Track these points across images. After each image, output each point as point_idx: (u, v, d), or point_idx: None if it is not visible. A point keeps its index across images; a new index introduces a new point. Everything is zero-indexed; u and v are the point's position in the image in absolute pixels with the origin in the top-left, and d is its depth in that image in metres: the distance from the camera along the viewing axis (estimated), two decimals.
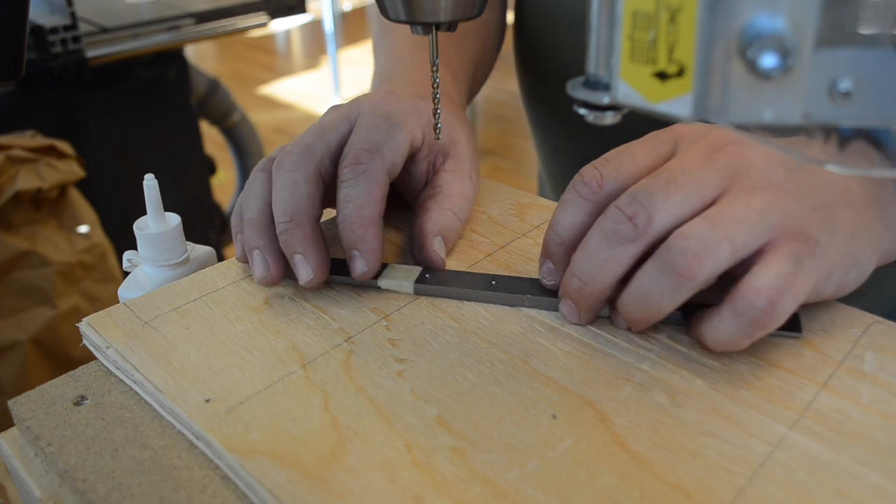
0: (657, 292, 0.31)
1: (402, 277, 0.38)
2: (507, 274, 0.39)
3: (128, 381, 0.33)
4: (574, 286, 0.33)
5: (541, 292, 0.37)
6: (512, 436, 0.29)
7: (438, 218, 0.41)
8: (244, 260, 0.40)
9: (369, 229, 0.36)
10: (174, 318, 0.36)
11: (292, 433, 0.29)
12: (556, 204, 0.46)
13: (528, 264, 0.40)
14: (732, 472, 0.27)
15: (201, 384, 0.32)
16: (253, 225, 0.38)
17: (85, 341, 0.36)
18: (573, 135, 0.61)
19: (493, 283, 0.38)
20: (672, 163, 0.33)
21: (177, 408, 0.30)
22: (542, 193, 0.75)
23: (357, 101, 0.42)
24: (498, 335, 0.35)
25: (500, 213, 0.46)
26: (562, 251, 0.35)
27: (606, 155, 0.35)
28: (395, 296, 0.38)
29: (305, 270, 0.36)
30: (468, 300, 0.37)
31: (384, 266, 0.39)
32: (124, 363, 0.33)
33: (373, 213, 0.37)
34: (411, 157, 0.42)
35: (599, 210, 0.34)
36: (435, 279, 0.38)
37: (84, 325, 0.36)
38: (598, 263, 0.32)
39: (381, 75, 0.50)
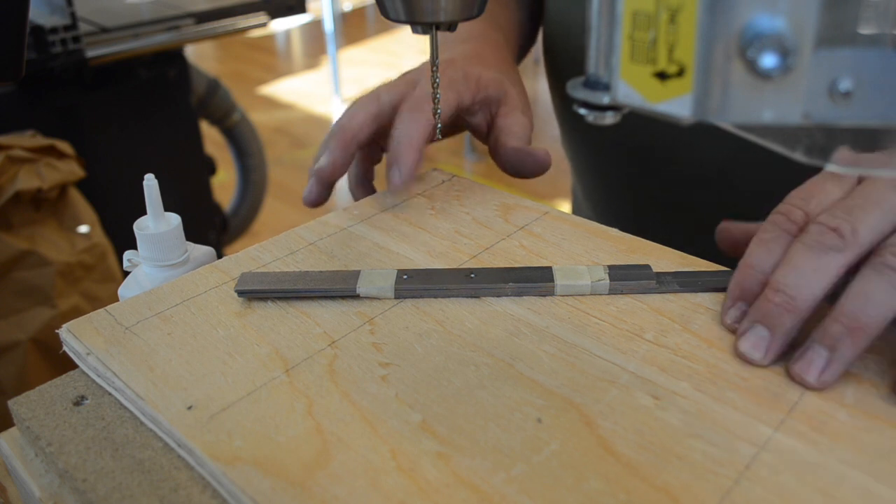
0: (880, 291, 0.30)
1: (380, 281, 0.38)
2: None
3: (108, 389, 0.33)
4: (778, 300, 0.32)
5: (523, 279, 0.37)
6: (497, 440, 0.29)
7: (506, 144, 0.50)
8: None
9: (411, 152, 0.46)
10: (156, 323, 0.36)
11: (276, 440, 0.29)
12: (542, 206, 0.46)
13: (512, 266, 0.40)
14: (718, 474, 0.27)
15: (183, 391, 0.31)
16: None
17: (65, 348, 0.35)
18: (603, 145, 0.61)
19: (473, 275, 0.38)
20: (862, 188, 0.33)
21: (158, 415, 0.30)
22: (575, 209, 0.76)
23: (422, 69, 0.52)
24: (482, 338, 0.34)
25: (484, 214, 0.46)
26: (762, 291, 0.34)
27: (800, 192, 0.35)
28: (378, 299, 0.38)
29: (325, 159, 0.47)
30: (450, 296, 0.37)
31: (358, 273, 0.38)
32: (105, 370, 0.33)
33: (417, 143, 0.46)
34: (466, 110, 0.51)
35: None
36: (413, 279, 0.38)
37: (64, 332, 0.35)
38: (807, 275, 0.31)
39: (454, 50, 0.60)
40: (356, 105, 0.49)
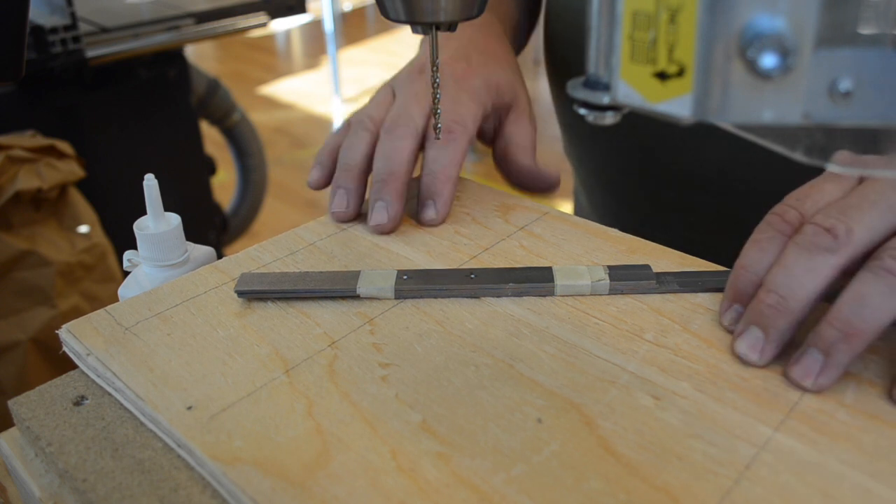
0: (876, 294, 0.29)
1: (381, 282, 0.38)
2: None
3: (108, 389, 0.33)
4: (770, 301, 0.32)
5: (523, 279, 0.37)
6: (497, 440, 0.29)
7: (518, 160, 0.50)
8: (319, 187, 0.48)
9: (447, 185, 0.45)
10: (155, 323, 0.36)
11: (275, 440, 0.29)
12: (542, 206, 0.46)
13: (512, 266, 0.40)
14: (718, 474, 0.27)
15: (183, 391, 0.31)
16: (349, 170, 0.46)
17: (65, 348, 0.35)
18: (603, 145, 0.61)
19: (473, 276, 0.38)
20: (861, 187, 0.33)
21: (158, 416, 0.30)
22: (578, 210, 0.76)
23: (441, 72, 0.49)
24: (483, 338, 0.34)
25: (484, 214, 0.46)
26: (756, 292, 0.33)
27: (796, 193, 0.35)
28: (379, 299, 0.38)
29: (381, 215, 0.44)
30: (450, 297, 0.37)
31: (358, 273, 0.38)
32: (105, 370, 0.33)
33: (453, 173, 0.46)
34: (485, 118, 0.50)
35: None
36: (414, 279, 0.38)
37: (64, 332, 0.35)
38: (798, 275, 0.31)
39: (461, 38, 0.57)
40: (396, 135, 0.46)
